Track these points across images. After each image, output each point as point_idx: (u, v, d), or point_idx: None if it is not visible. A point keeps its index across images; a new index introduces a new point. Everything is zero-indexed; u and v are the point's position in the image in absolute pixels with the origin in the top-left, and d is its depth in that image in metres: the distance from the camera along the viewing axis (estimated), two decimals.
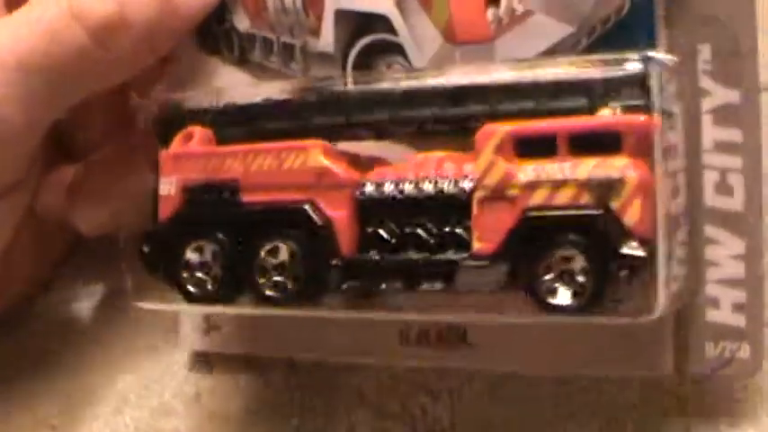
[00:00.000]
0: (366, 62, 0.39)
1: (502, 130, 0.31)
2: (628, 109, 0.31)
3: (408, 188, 0.33)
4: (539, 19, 0.36)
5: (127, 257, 0.37)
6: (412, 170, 0.34)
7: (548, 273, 0.31)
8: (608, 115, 0.31)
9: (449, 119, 0.34)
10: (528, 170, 0.31)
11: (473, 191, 0.32)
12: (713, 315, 0.35)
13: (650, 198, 0.30)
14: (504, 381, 0.38)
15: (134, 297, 0.37)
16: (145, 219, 0.38)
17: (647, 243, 0.30)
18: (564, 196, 0.30)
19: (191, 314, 0.41)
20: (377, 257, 0.33)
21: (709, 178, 0.35)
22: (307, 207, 0.34)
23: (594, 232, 0.30)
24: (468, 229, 0.32)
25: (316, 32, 0.40)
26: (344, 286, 0.33)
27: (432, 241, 0.32)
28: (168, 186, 0.36)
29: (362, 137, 0.37)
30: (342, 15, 0.39)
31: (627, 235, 0.30)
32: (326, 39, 0.40)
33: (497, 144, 0.31)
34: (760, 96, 0.34)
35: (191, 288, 0.35)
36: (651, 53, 0.31)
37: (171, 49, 0.39)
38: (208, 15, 0.40)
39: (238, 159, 0.35)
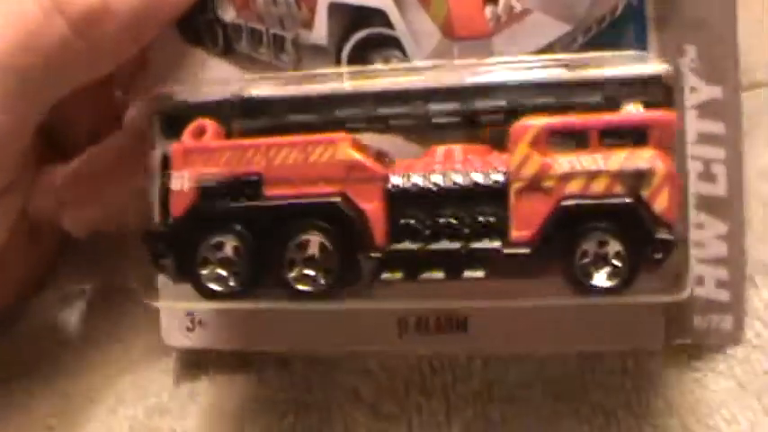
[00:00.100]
0: (361, 56, 0.40)
1: (537, 124, 0.33)
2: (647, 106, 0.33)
3: (441, 180, 0.34)
4: (537, 17, 0.38)
5: (133, 256, 0.36)
6: (439, 162, 0.35)
7: (584, 257, 0.33)
8: (635, 111, 0.33)
9: (468, 114, 0.36)
10: (563, 162, 0.33)
11: (510, 182, 0.33)
12: (699, 291, 0.38)
13: (675, 187, 0.33)
14: (502, 378, 0.39)
15: (145, 295, 0.36)
16: (138, 217, 0.37)
17: (672, 228, 0.33)
18: (598, 186, 0.33)
19: (180, 310, 0.40)
20: (415, 247, 0.34)
21: (694, 168, 0.38)
22: (340, 200, 0.34)
23: (628, 219, 0.32)
24: (501, 219, 0.33)
25: (308, 25, 0.40)
26: (384, 277, 0.34)
27: (466, 231, 0.34)
28: (181, 181, 0.36)
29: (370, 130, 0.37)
30: (336, 8, 0.39)
31: (657, 221, 0.32)
32: (320, 31, 0.40)
33: (533, 137, 0.33)
34: (740, 93, 0.37)
35: (212, 285, 0.35)
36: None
37: (155, 38, 0.38)
38: (192, 4, 0.39)
39: (260, 153, 0.35)
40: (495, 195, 0.34)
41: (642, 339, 0.38)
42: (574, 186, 0.33)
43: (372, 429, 0.39)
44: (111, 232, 0.39)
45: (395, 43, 0.39)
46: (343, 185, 0.34)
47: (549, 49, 0.38)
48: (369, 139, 0.37)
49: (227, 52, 0.41)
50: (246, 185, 0.35)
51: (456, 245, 0.33)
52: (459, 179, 0.34)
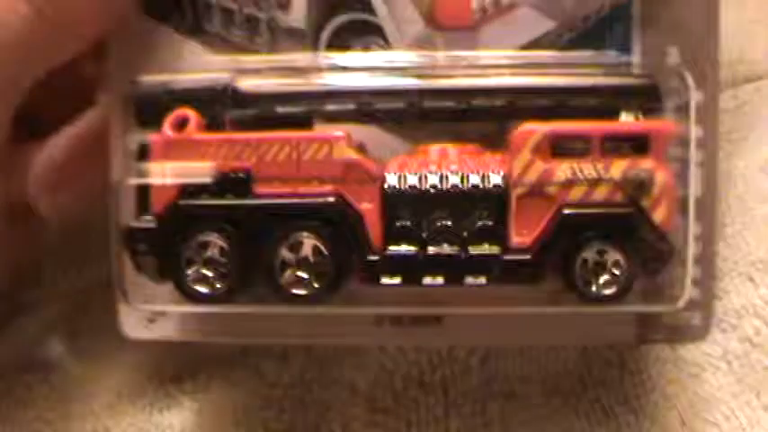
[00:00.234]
0: (340, 42, 0.38)
1: (541, 130, 0.33)
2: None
3: (438, 181, 0.33)
4: (524, 12, 0.38)
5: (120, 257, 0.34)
6: (434, 162, 0.34)
7: (584, 265, 0.33)
8: (636, 120, 0.33)
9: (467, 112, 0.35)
10: (565, 169, 0.33)
11: (512, 187, 0.33)
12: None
13: (673, 197, 0.33)
14: (500, 374, 0.39)
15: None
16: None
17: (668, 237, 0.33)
18: (599, 194, 0.33)
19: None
20: (414, 251, 0.33)
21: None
22: (336, 200, 0.33)
23: (628, 228, 0.33)
24: (499, 223, 0.33)
25: (285, 6, 0.38)
26: (382, 281, 0.33)
27: (464, 234, 0.33)
28: (162, 175, 0.34)
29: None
30: None
31: (656, 231, 0.33)
32: (297, 14, 0.38)
33: (536, 143, 0.33)
34: (719, 96, 0.38)
35: (197, 287, 0.33)
36: None
37: (123, 16, 0.36)
38: None
39: (250, 148, 0.33)
40: (494, 199, 0.33)
41: (613, 335, 0.39)
42: (575, 194, 0.33)
43: (370, 424, 0.39)
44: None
45: (376, 30, 0.38)
46: (339, 185, 0.33)
47: (534, 44, 0.38)
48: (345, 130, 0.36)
49: (197, 32, 0.39)
50: (234, 182, 0.33)
51: (456, 249, 0.33)
52: (456, 181, 0.33)
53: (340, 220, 0.33)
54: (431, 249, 0.33)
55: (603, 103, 0.34)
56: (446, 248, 0.33)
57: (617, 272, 0.33)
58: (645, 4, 0.38)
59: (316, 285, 0.33)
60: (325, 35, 0.38)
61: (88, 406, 0.41)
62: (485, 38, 0.38)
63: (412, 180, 0.33)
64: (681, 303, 0.34)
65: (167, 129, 0.34)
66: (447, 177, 0.33)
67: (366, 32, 0.38)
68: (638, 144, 0.33)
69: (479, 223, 0.33)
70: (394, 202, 0.33)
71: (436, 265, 0.33)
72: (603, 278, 0.33)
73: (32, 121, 0.37)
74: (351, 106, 0.35)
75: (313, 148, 0.33)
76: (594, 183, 0.33)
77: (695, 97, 0.34)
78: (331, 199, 0.33)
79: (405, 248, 0.33)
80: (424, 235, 0.33)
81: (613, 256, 0.33)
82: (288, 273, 0.33)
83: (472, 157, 0.34)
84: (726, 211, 0.40)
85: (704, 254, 0.39)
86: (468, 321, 0.39)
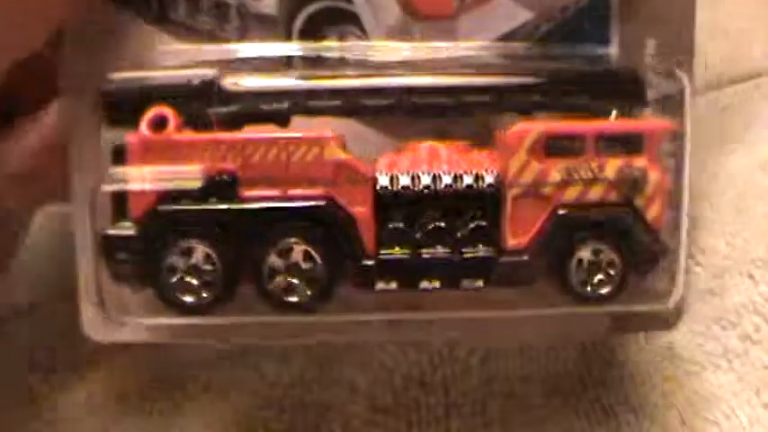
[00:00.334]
0: (314, 30, 0.37)
1: (537, 129, 0.32)
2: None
3: (431, 182, 0.32)
4: (502, 2, 0.37)
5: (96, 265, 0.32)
6: (425, 162, 0.33)
7: (579, 265, 0.33)
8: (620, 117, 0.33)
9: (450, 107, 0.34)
10: (560, 169, 0.32)
11: (508, 188, 0.32)
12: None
13: (666, 196, 0.33)
14: (501, 374, 0.39)
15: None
16: None
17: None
18: (594, 194, 0.32)
19: None
20: (411, 255, 0.32)
21: None
22: (328, 203, 0.32)
23: (623, 227, 0.33)
24: (493, 223, 0.33)
25: None
26: (378, 287, 0.32)
27: (458, 236, 0.33)
28: (140, 178, 0.32)
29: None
30: None
31: (650, 229, 0.33)
32: (269, 0, 0.36)
33: (531, 143, 0.32)
34: (690, 89, 0.38)
35: (182, 297, 0.32)
36: None
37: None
38: None
39: (235, 149, 0.32)
40: (487, 199, 0.33)
41: (585, 329, 0.39)
42: (571, 194, 0.32)
43: (371, 424, 0.38)
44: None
45: (352, 18, 0.37)
46: (330, 187, 0.32)
47: (511, 35, 0.37)
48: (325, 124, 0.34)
49: (162, 19, 0.36)
50: (219, 185, 0.32)
51: (451, 252, 0.32)
52: (449, 181, 0.33)
53: (332, 224, 0.32)
54: (425, 252, 0.32)
55: (586, 97, 0.34)
56: (440, 250, 0.32)
57: (612, 271, 0.33)
58: None
59: (308, 292, 0.32)
60: (298, 23, 0.37)
61: (88, 406, 0.40)
62: (462, 28, 0.37)
63: (404, 180, 0.32)
64: (671, 303, 0.34)
65: (145, 128, 0.31)
66: (440, 177, 0.32)
67: (341, 20, 0.37)
68: (631, 143, 0.33)
69: (472, 224, 0.33)
70: (386, 203, 0.32)
71: (433, 268, 0.32)
72: (598, 278, 0.33)
73: (9, 102, 0.34)
74: (336, 103, 0.33)
75: (302, 149, 0.32)
76: (589, 182, 0.32)
77: (687, 92, 0.34)
78: (322, 202, 0.32)
79: (399, 252, 0.32)
80: (417, 237, 0.32)
81: (608, 255, 0.33)
82: (277, 279, 0.32)
83: (462, 156, 0.33)
84: (725, 208, 0.40)
85: (673, 244, 0.39)
86: (442, 319, 0.39)
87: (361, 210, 0.32)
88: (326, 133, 0.32)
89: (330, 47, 0.36)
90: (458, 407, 0.38)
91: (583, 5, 0.38)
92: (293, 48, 0.36)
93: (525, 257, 0.32)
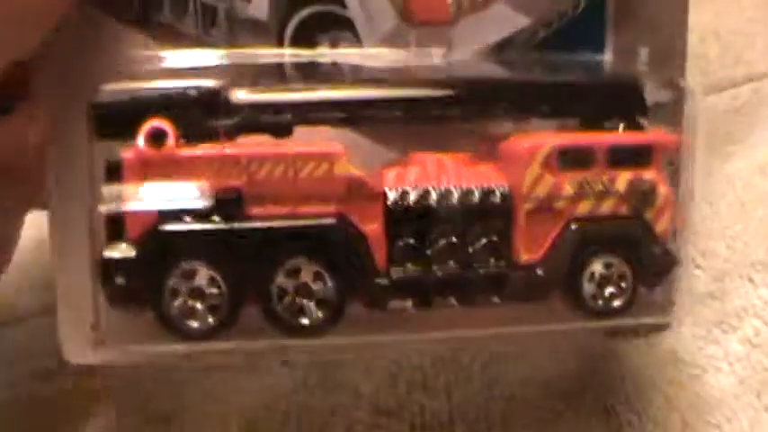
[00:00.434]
0: (307, 36, 0.35)
1: (550, 143, 0.32)
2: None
3: (442, 196, 0.32)
4: (500, 8, 0.36)
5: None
6: (433, 176, 0.32)
7: (591, 279, 0.32)
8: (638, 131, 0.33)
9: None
10: (573, 182, 0.32)
11: (521, 203, 0.32)
12: None
13: (673, 207, 0.33)
14: (503, 377, 0.38)
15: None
16: None
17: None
18: (606, 207, 0.32)
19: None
20: (424, 273, 0.31)
21: None
22: (339, 222, 0.30)
23: (633, 240, 0.32)
24: (505, 239, 0.32)
25: None
26: (392, 306, 0.31)
27: (470, 251, 0.32)
28: (138, 198, 0.30)
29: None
30: None
31: (659, 242, 0.33)
32: (259, 3, 0.35)
33: (545, 157, 0.32)
34: (685, 96, 0.38)
35: (187, 322, 0.30)
36: None
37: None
38: None
39: (240, 165, 0.30)
40: (499, 214, 0.32)
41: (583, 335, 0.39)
42: (583, 208, 0.32)
43: (375, 429, 0.37)
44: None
45: (346, 24, 0.35)
46: (341, 205, 0.31)
47: (508, 41, 0.36)
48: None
49: (145, 22, 0.34)
50: (224, 203, 0.30)
51: (462, 268, 0.31)
52: (460, 196, 0.32)
53: (343, 243, 0.30)
54: (438, 269, 0.31)
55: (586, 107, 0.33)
56: (452, 266, 0.31)
57: (623, 284, 0.32)
58: (619, 2, 0.37)
59: (319, 314, 0.30)
60: (290, 29, 0.35)
61: (89, 407, 0.39)
62: (459, 34, 0.36)
63: (414, 196, 0.31)
64: (673, 318, 0.34)
65: (143, 144, 0.29)
66: (451, 192, 0.32)
67: (335, 27, 0.35)
68: (640, 155, 0.32)
69: (484, 239, 0.32)
70: (397, 219, 0.31)
71: (447, 285, 0.31)
72: (609, 291, 0.32)
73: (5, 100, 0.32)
74: (341, 115, 0.32)
75: (311, 165, 0.30)
76: (601, 196, 0.32)
77: (689, 101, 0.34)
78: (334, 220, 0.30)
79: (411, 269, 0.31)
80: (428, 253, 0.31)
81: (620, 268, 0.32)
82: (286, 300, 0.30)
83: (470, 169, 0.32)
84: (725, 212, 0.40)
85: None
86: (434, 321, 0.38)
87: (373, 227, 0.31)
88: (336, 148, 0.30)
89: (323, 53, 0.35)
90: (461, 411, 0.38)
91: (580, 12, 0.37)
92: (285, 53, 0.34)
93: (540, 272, 0.31)
